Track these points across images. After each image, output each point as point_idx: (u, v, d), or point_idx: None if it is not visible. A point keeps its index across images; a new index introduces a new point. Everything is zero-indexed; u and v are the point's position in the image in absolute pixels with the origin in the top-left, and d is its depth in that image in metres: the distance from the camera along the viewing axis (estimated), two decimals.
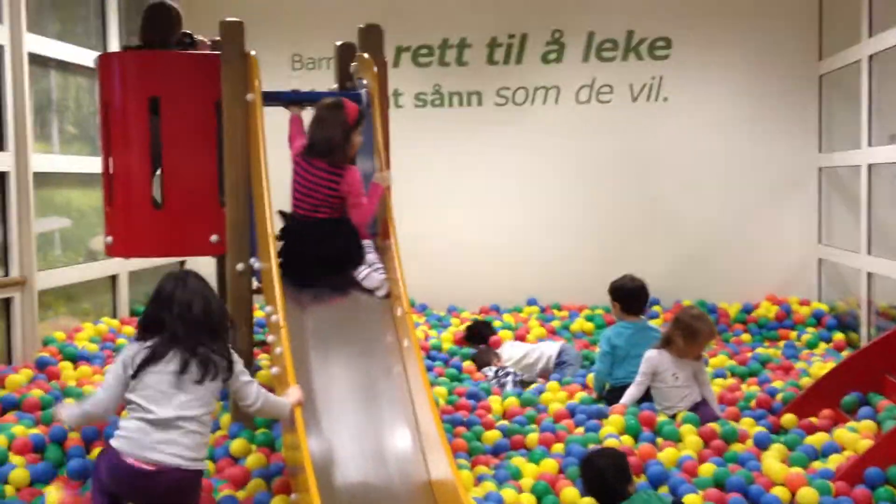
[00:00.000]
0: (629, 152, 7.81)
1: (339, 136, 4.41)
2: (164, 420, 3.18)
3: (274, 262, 4.07)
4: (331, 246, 4.42)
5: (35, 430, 4.47)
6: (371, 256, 4.46)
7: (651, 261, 7.51)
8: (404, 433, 3.88)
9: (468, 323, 6.91)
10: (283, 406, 3.53)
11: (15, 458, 4.17)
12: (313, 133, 4.49)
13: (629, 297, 5.46)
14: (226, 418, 4.53)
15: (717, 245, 7.72)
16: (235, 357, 3.41)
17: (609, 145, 7.82)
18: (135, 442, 3.17)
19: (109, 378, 3.30)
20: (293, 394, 3.56)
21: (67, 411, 3.35)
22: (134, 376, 3.24)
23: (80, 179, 6.51)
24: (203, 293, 3.40)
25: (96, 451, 3.99)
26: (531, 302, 7.82)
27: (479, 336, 6.58)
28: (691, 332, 4.90)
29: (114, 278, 6.90)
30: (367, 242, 4.49)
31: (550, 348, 6.12)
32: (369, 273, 4.41)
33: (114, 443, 3.21)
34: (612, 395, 5.19)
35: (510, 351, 6.21)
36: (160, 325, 3.32)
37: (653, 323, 6.74)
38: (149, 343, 3.29)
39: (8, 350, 5.68)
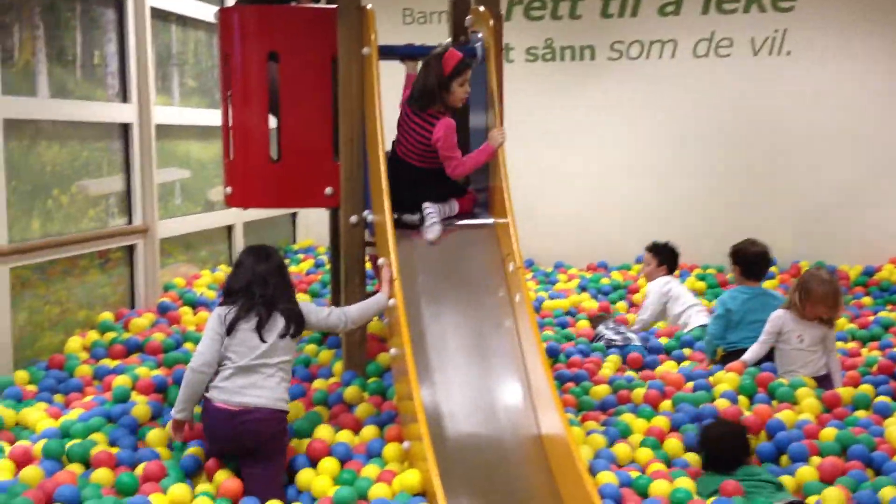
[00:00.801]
0: (748, 108, 7.58)
1: (434, 83, 4.40)
2: (247, 367, 3.63)
3: (388, 215, 4.11)
4: (413, 194, 4.44)
5: (157, 372, 4.66)
6: (432, 210, 4.44)
7: (768, 220, 7.33)
8: (515, 387, 3.91)
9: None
10: (374, 304, 3.99)
11: (138, 397, 4.37)
12: (415, 81, 4.54)
13: (750, 261, 5.33)
14: (338, 366, 4.63)
15: (838, 205, 7.46)
16: (306, 311, 3.85)
17: (727, 101, 7.60)
18: (224, 390, 3.62)
19: (206, 337, 3.72)
20: (385, 275, 3.96)
21: (175, 416, 3.76)
22: (228, 334, 3.67)
23: (198, 132, 6.69)
24: (277, 262, 3.87)
25: None
26: (640, 260, 7.70)
27: (666, 256, 6.19)
28: (806, 290, 4.76)
29: (230, 228, 7.09)
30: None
31: (698, 318, 5.82)
32: (432, 225, 4.41)
33: (208, 394, 3.66)
34: (725, 360, 5.10)
35: (678, 291, 5.98)
36: (242, 290, 3.76)
37: (768, 284, 6.61)
38: (234, 306, 3.72)
39: (132, 295, 5.92)
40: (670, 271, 6.16)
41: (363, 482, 3.54)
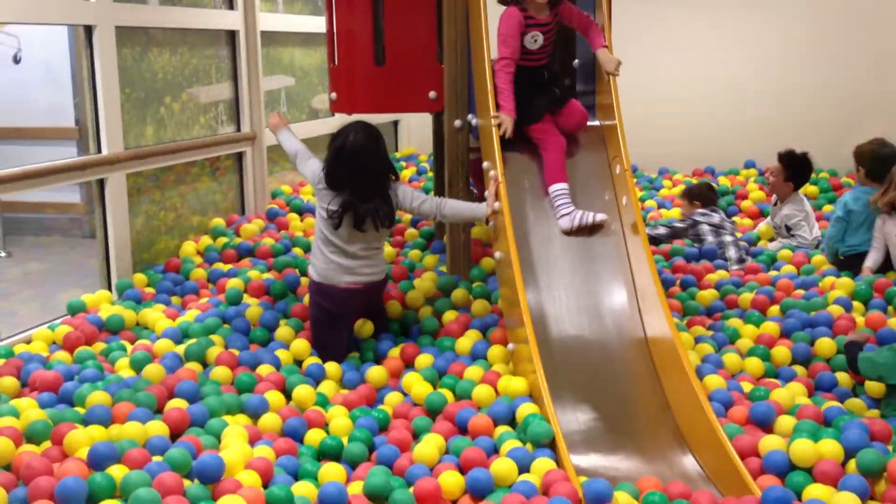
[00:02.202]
0: (861, 10, 7.17)
1: None
2: (354, 253, 3.95)
3: (493, 119, 4.08)
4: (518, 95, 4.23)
5: (268, 275, 4.80)
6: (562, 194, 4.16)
7: (883, 117, 6.97)
8: (621, 291, 3.88)
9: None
10: (471, 209, 4.07)
11: (249, 299, 4.51)
12: None
13: (876, 161, 5.05)
14: (444, 269, 4.68)
15: None
16: (401, 194, 4.01)
17: (839, 2, 7.21)
18: (344, 270, 3.96)
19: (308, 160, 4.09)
20: (491, 188, 3.96)
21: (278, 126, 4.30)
22: (336, 226, 3.90)
23: (302, 39, 6.71)
24: (370, 148, 3.90)
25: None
26: (749, 164, 7.50)
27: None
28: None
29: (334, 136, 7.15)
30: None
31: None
32: (564, 216, 4.12)
33: (320, 276, 3.99)
34: (844, 264, 4.97)
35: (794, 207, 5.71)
36: (344, 179, 3.89)
37: None
38: (339, 197, 3.89)
39: (241, 201, 6.06)
40: (797, 188, 5.73)
41: (466, 384, 3.60)
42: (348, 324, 4.10)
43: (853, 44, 7.25)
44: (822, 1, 7.30)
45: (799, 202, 5.71)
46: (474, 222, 4.58)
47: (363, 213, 3.87)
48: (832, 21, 7.29)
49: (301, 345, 4.00)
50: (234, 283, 4.63)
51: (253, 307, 4.32)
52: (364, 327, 4.15)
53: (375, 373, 3.82)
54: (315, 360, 3.95)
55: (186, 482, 2.87)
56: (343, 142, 3.89)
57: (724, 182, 7.10)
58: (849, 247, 5.00)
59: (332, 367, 3.89)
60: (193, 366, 3.80)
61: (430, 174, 5.91)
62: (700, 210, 5.61)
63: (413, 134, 8.18)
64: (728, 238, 5.41)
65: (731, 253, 5.32)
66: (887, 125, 6.53)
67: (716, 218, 5.53)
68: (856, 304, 4.37)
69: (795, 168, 5.69)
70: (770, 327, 4.16)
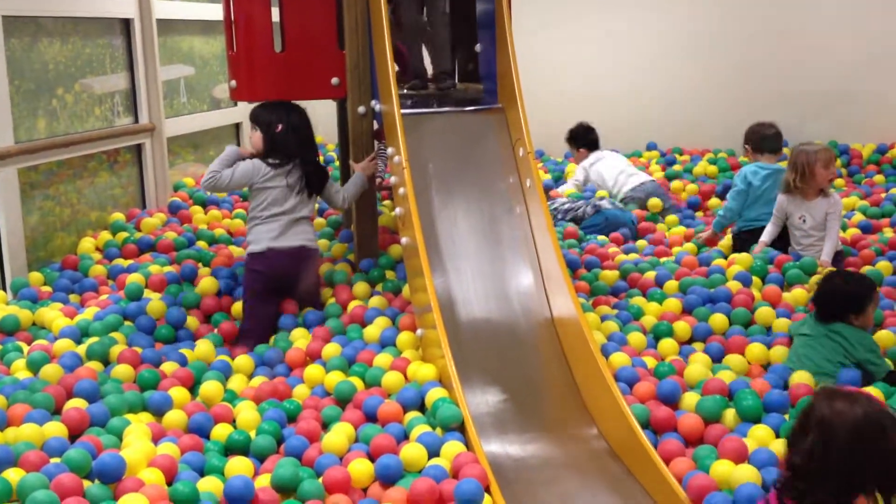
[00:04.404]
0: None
1: None
2: (298, 218, 4.25)
3: (396, 105, 4.05)
4: None
5: (170, 269, 4.69)
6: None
7: (778, 102, 7.23)
8: (527, 273, 3.91)
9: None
10: (356, 181, 4.43)
11: (151, 294, 4.40)
12: None
13: (761, 136, 5.37)
14: (351, 257, 4.65)
15: (849, 83, 7.30)
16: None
17: None
18: (288, 234, 4.22)
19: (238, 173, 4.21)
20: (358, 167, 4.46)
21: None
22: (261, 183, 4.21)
23: (201, 27, 6.57)
24: (306, 120, 4.34)
25: None
26: (651, 146, 7.64)
27: (581, 139, 6.67)
28: (805, 164, 4.75)
29: (237, 126, 7.03)
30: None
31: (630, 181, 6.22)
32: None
33: (262, 246, 4.20)
34: (741, 238, 5.11)
35: (605, 167, 6.35)
36: (293, 148, 4.25)
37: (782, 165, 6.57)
38: (272, 162, 4.23)
39: (142, 195, 5.91)
40: (593, 149, 6.56)
41: (376, 371, 3.57)
42: (279, 299, 4.24)
43: (747, 31, 7.45)
44: (711, 7, 7.50)
45: (589, 161, 6.47)
46: (378, 206, 4.61)
47: (320, 173, 4.33)
48: (728, 15, 7.48)
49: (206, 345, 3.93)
50: (134, 279, 4.51)
51: (154, 302, 4.21)
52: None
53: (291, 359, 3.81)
54: (223, 357, 3.88)
55: (87, 483, 2.79)
56: (285, 116, 4.27)
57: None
58: (746, 221, 5.14)
59: (241, 361, 3.82)
60: (94, 365, 3.69)
61: (337, 163, 5.86)
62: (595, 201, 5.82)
63: (319, 123, 8.04)
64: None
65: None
66: (773, 110, 6.79)
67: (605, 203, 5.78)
68: (755, 279, 4.48)
69: (577, 137, 6.66)
70: (672, 304, 4.24)
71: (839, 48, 7.29)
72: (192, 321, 4.20)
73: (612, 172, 6.31)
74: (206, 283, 4.40)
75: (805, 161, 4.76)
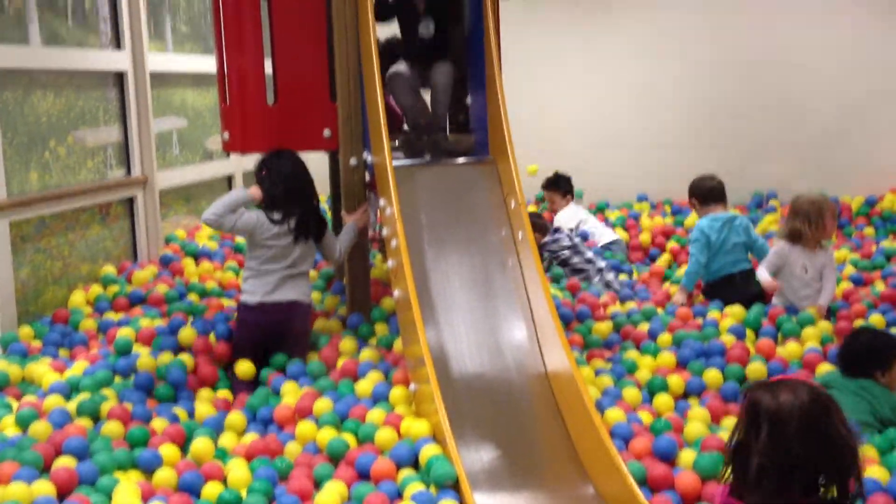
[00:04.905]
0: (743, 43, 7.46)
1: None
2: (287, 274, 4.23)
3: (388, 156, 4.06)
4: None
5: (160, 322, 4.65)
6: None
7: (768, 153, 7.33)
8: (520, 326, 3.89)
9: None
10: (348, 232, 4.43)
11: (141, 349, 4.36)
12: None
13: (705, 189, 5.41)
14: (343, 310, 4.62)
15: (838, 135, 7.37)
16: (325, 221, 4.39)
17: (722, 37, 7.49)
18: (271, 291, 4.20)
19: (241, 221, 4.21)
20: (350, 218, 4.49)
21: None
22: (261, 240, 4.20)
23: (194, 79, 6.60)
24: (302, 168, 4.35)
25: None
26: (641, 198, 7.67)
27: (565, 185, 6.79)
28: (816, 213, 4.78)
29: (230, 178, 7.04)
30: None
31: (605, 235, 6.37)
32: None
33: (257, 297, 4.20)
34: (712, 290, 5.14)
35: (567, 218, 6.47)
36: (279, 199, 4.24)
37: (770, 218, 6.61)
38: (275, 219, 4.22)
39: (133, 248, 5.89)
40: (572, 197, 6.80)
41: (368, 428, 3.53)
42: (268, 348, 4.24)
43: (737, 82, 7.52)
44: (706, 46, 7.54)
45: (573, 211, 6.65)
46: (370, 260, 4.60)
47: (319, 220, 4.32)
48: (717, 66, 7.56)
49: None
50: (123, 333, 4.47)
51: (144, 357, 4.17)
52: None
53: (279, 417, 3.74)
54: (213, 411, 3.84)
55: None
56: (282, 167, 4.30)
57: (619, 214, 7.23)
58: (711, 274, 5.19)
59: (233, 418, 3.77)
60: (83, 421, 3.64)
61: (329, 215, 5.86)
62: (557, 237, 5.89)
63: (312, 174, 8.09)
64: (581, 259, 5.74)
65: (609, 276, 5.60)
66: (762, 162, 6.93)
67: (567, 241, 5.83)
68: (748, 332, 4.47)
69: (560, 183, 6.78)
70: (666, 358, 4.21)
71: (827, 100, 7.36)
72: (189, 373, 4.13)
73: (593, 223, 6.53)
74: (188, 332, 4.35)
75: (818, 211, 4.80)
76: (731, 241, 5.12)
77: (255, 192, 4.29)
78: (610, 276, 5.60)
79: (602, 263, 5.70)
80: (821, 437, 2.15)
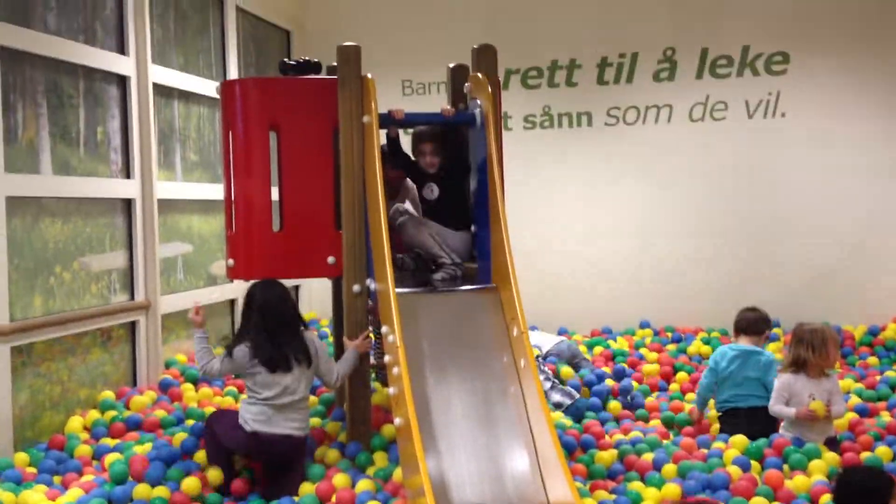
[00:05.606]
0: (745, 170, 7.60)
1: None
2: (280, 405, 4.22)
3: (391, 284, 4.09)
4: None
5: (150, 447, 4.60)
6: None
7: (770, 282, 7.36)
8: (522, 455, 3.84)
9: None
10: (349, 358, 4.46)
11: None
12: None
13: (742, 321, 5.38)
14: (343, 437, 4.57)
15: (840, 264, 7.42)
16: (313, 348, 4.37)
17: (724, 163, 7.63)
18: (264, 421, 4.20)
19: (225, 365, 4.32)
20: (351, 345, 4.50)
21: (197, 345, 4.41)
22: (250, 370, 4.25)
23: (200, 206, 6.70)
24: (285, 297, 4.38)
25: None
26: (644, 325, 7.67)
27: None
28: (820, 340, 4.76)
29: (233, 302, 7.06)
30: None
31: (548, 342, 6.33)
32: None
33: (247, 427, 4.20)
34: (720, 420, 5.11)
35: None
36: (258, 329, 4.30)
37: (773, 346, 6.58)
38: (252, 346, 4.26)
39: (133, 372, 5.86)
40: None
41: None
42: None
43: (739, 210, 7.61)
44: (710, 173, 7.67)
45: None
46: (372, 385, 4.57)
47: (285, 352, 4.26)
48: (720, 195, 7.66)
49: None
50: (117, 459, 4.41)
51: (140, 486, 4.10)
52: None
53: None
54: None
55: None
56: (256, 297, 4.35)
57: (621, 341, 7.21)
58: (719, 403, 5.16)
59: None
60: None
61: (331, 339, 5.86)
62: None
63: (314, 298, 8.14)
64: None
65: (556, 397, 5.40)
66: (764, 291, 6.97)
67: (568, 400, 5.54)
68: (754, 463, 4.40)
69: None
70: (671, 490, 4.14)
71: (830, 230, 7.43)
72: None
73: (536, 336, 6.37)
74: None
75: (821, 339, 4.79)
76: (744, 374, 5.06)
77: (192, 316, 4.47)
78: (556, 397, 5.40)
79: (547, 385, 5.47)
80: None
